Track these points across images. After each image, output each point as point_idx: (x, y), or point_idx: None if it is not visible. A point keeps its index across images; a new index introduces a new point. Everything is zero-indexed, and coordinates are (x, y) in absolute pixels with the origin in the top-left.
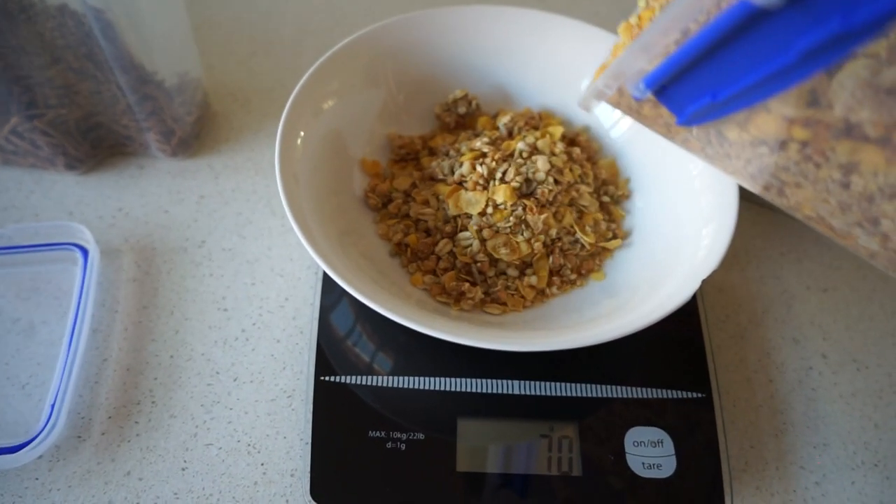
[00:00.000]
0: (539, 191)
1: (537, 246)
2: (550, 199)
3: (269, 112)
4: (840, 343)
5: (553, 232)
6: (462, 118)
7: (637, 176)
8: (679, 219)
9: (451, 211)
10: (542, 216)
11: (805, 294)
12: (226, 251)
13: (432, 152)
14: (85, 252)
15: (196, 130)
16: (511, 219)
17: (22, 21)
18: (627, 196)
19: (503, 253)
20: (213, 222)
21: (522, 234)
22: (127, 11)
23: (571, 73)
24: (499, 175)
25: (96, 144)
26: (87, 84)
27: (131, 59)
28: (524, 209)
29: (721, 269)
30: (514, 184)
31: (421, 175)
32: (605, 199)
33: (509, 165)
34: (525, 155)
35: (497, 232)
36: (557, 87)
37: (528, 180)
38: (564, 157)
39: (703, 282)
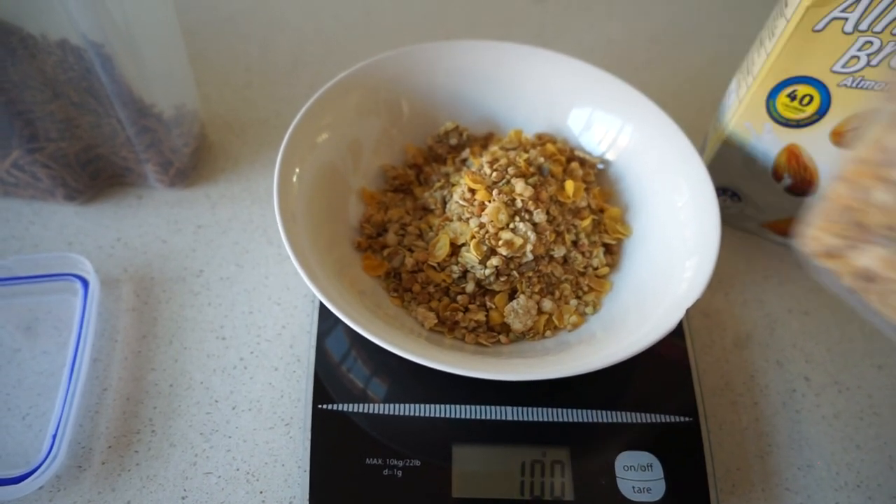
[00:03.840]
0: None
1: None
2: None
3: (265, 142)
4: (822, 365)
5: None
6: (454, 148)
7: (627, 201)
8: (666, 249)
9: (442, 245)
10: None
11: (787, 317)
12: (224, 280)
13: (425, 181)
14: (85, 283)
15: (193, 161)
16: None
17: (24, 57)
18: (629, 234)
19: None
20: (210, 251)
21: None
22: (126, 46)
23: (557, 103)
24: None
25: (95, 176)
26: (87, 118)
27: (130, 93)
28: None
29: (706, 294)
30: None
31: (414, 205)
32: (607, 240)
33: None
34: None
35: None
36: (543, 115)
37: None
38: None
39: (689, 308)
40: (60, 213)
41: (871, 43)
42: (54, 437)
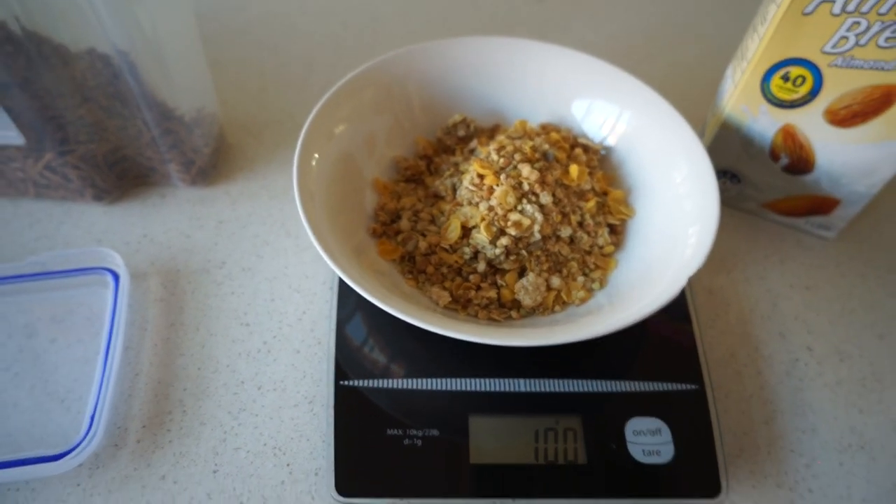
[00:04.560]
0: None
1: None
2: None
3: (281, 142)
4: (824, 336)
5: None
6: (462, 139)
7: (629, 184)
8: (668, 224)
9: (454, 228)
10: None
11: (789, 292)
12: (245, 271)
13: (435, 171)
14: (115, 276)
15: (213, 161)
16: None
17: (56, 64)
18: (632, 215)
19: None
20: (232, 245)
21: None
22: (151, 53)
23: (559, 94)
24: (497, 188)
25: (122, 176)
26: (114, 121)
27: (154, 97)
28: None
29: (709, 273)
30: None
31: (426, 193)
32: (611, 220)
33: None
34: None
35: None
36: (546, 106)
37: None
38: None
39: (693, 283)
40: (89, 213)
41: (859, 23)
42: (92, 417)
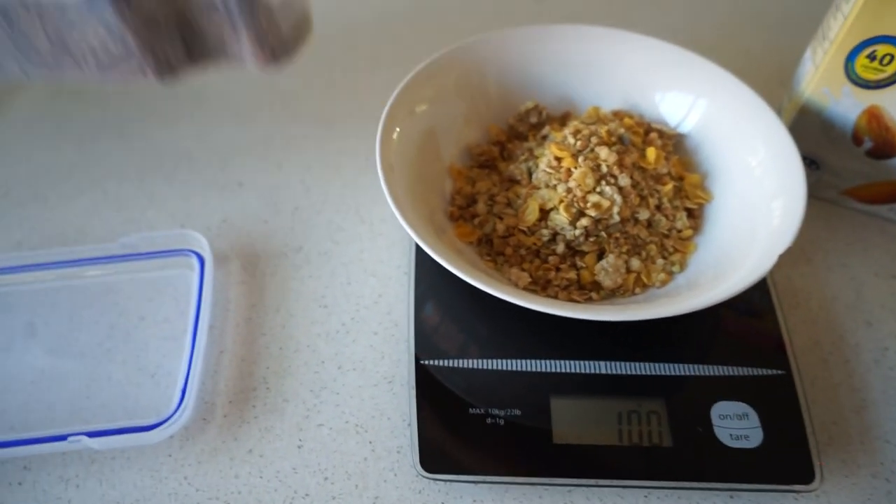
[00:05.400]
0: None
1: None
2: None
3: (351, 133)
4: None
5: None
6: (534, 126)
7: (706, 169)
8: (747, 204)
9: (532, 210)
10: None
11: (874, 280)
12: (322, 255)
13: (508, 157)
14: (200, 258)
15: (294, 39)
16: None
17: None
18: (710, 199)
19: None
20: (308, 230)
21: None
22: None
23: (633, 81)
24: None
25: (188, 49)
26: None
27: None
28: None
29: (789, 262)
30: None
31: (500, 178)
32: (689, 204)
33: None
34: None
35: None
36: (618, 92)
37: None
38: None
39: (773, 271)
40: (172, 199)
41: None
42: (184, 390)
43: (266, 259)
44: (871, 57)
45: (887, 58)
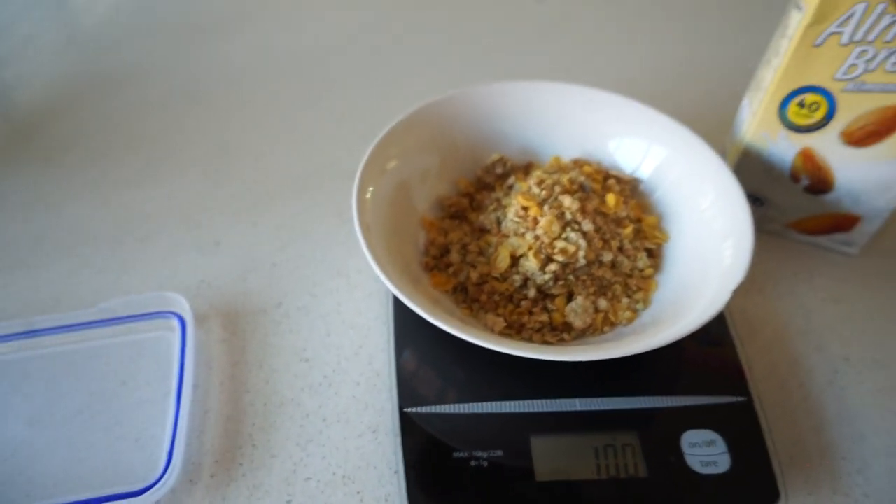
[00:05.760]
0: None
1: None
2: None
3: (323, 189)
4: (859, 347)
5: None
6: (500, 177)
7: (661, 210)
8: (700, 242)
9: (503, 257)
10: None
11: (821, 306)
12: (300, 309)
13: (478, 207)
14: (181, 319)
15: None
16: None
17: None
18: (667, 239)
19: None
20: (286, 285)
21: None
22: None
23: (590, 131)
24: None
25: None
26: None
27: None
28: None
29: (743, 294)
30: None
31: (471, 228)
32: (648, 245)
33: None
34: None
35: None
36: (577, 142)
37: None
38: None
39: (729, 303)
40: (148, 261)
41: (867, 51)
42: (170, 454)
43: (246, 316)
44: (801, 104)
45: (814, 105)
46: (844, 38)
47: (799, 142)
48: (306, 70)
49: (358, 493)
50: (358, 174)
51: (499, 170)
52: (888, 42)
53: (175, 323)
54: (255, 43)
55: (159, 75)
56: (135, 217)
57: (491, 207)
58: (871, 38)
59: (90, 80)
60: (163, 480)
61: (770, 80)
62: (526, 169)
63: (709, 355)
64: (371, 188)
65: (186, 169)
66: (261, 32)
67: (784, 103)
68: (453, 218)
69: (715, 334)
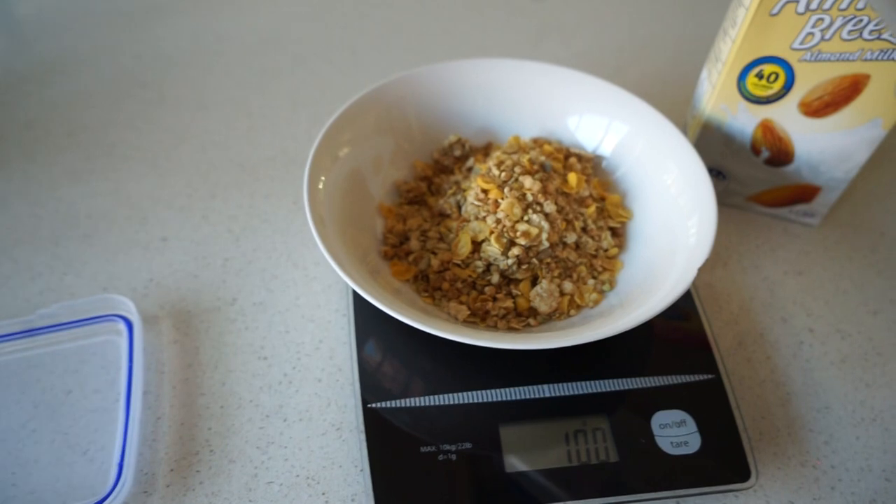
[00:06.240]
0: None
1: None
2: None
3: (277, 177)
4: (823, 317)
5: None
6: (458, 159)
7: (624, 188)
8: (664, 220)
9: (464, 243)
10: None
11: (784, 279)
12: (257, 305)
13: (437, 191)
14: (128, 322)
15: None
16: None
17: None
18: (630, 217)
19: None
20: (240, 281)
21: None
22: None
23: (549, 109)
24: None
25: None
26: None
27: None
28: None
29: (707, 268)
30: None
31: (430, 213)
32: (612, 223)
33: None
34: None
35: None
36: (536, 121)
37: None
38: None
39: (695, 279)
40: (92, 262)
41: (823, 20)
42: (120, 465)
43: (198, 315)
44: (759, 76)
45: (773, 76)
46: (800, 7)
47: (758, 114)
48: (257, 52)
49: (323, 494)
50: (308, 164)
51: (457, 152)
52: (843, 10)
53: (122, 326)
54: (201, 25)
55: (99, 62)
56: (76, 214)
57: (450, 191)
58: (826, 6)
59: (24, 68)
60: (114, 494)
61: (728, 52)
62: (485, 150)
63: (677, 333)
64: (323, 178)
65: (130, 161)
66: (207, 13)
67: (742, 75)
68: (412, 203)
69: (682, 310)
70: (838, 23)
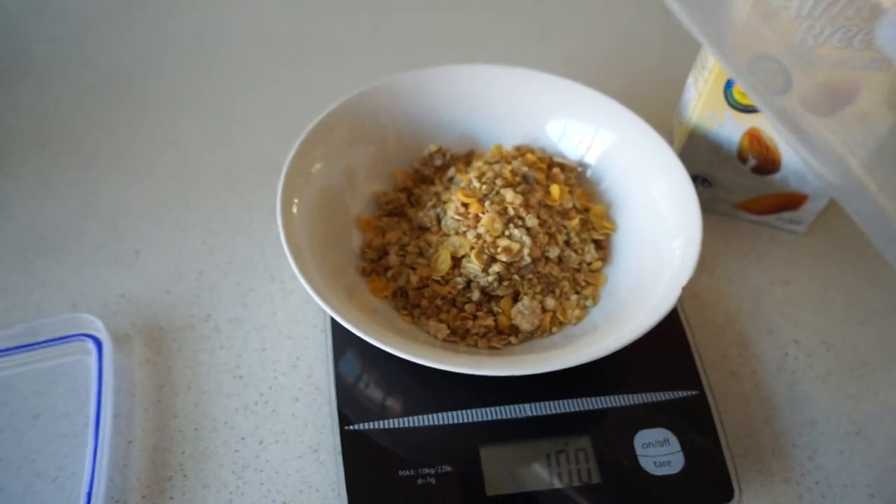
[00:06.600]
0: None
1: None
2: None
3: (255, 186)
4: (809, 328)
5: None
6: (439, 169)
7: (608, 199)
8: (650, 233)
9: (444, 259)
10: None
11: (770, 289)
12: (232, 321)
13: (417, 202)
14: (97, 341)
15: None
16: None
17: None
18: (615, 229)
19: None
20: (215, 295)
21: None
22: None
23: (531, 116)
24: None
25: None
26: None
27: None
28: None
29: (693, 279)
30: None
31: (410, 226)
32: (596, 236)
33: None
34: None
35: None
36: (519, 128)
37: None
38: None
39: (683, 286)
40: (60, 277)
41: (814, 27)
42: (89, 493)
43: (171, 333)
44: None
45: None
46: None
47: (745, 122)
48: (239, 56)
49: None
50: (280, 187)
51: (437, 161)
52: (833, 19)
53: (91, 346)
54: (179, 26)
55: (69, 66)
56: (43, 227)
57: (430, 203)
58: (816, 13)
59: None
60: None
61: (714, 60)
62: (466, 158)
63: (660, 347)
64: (296, 200)
65: (101, 170)
66: (185, 14)
67: (729, 83)
68: (391, 215)
69: (666, 322)
70: (828, 31)
